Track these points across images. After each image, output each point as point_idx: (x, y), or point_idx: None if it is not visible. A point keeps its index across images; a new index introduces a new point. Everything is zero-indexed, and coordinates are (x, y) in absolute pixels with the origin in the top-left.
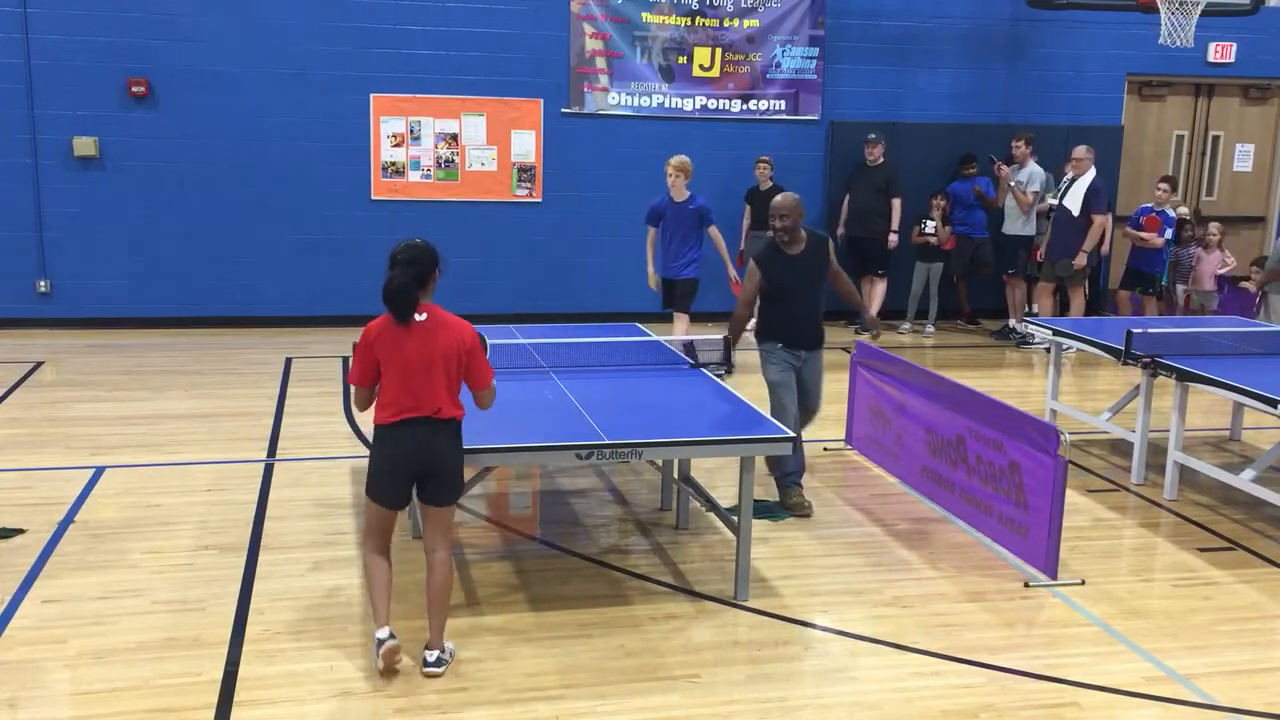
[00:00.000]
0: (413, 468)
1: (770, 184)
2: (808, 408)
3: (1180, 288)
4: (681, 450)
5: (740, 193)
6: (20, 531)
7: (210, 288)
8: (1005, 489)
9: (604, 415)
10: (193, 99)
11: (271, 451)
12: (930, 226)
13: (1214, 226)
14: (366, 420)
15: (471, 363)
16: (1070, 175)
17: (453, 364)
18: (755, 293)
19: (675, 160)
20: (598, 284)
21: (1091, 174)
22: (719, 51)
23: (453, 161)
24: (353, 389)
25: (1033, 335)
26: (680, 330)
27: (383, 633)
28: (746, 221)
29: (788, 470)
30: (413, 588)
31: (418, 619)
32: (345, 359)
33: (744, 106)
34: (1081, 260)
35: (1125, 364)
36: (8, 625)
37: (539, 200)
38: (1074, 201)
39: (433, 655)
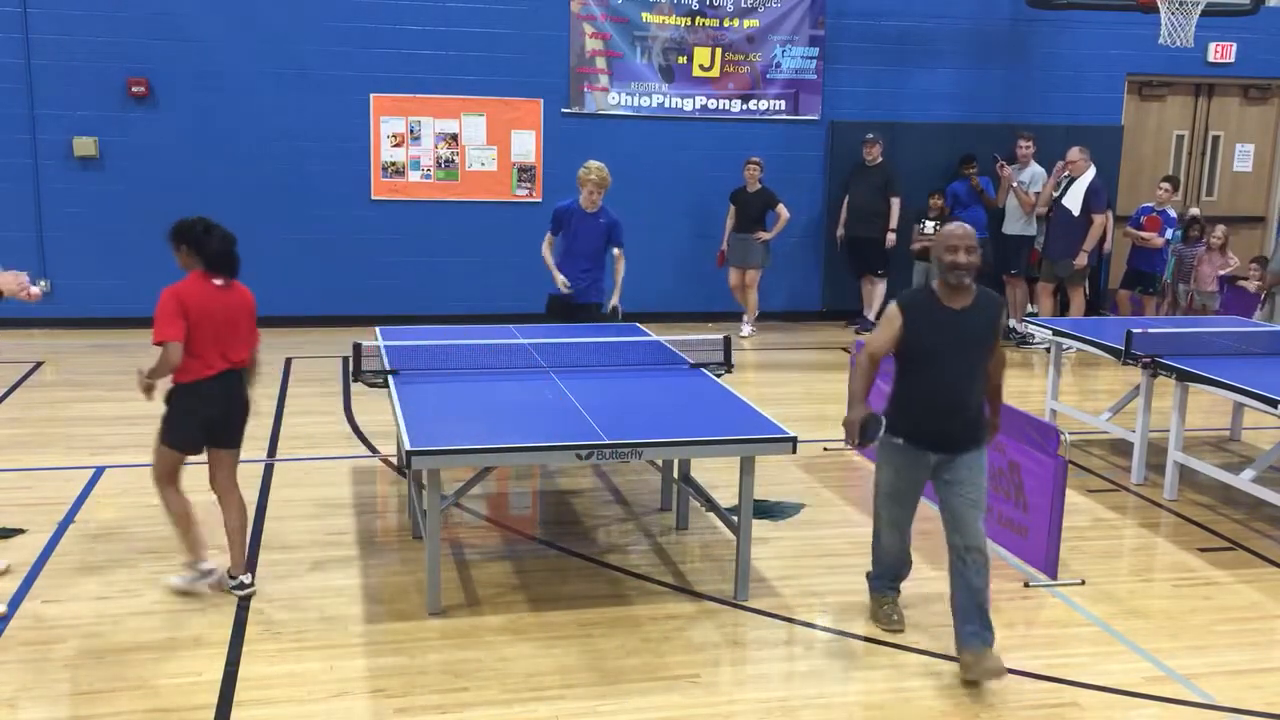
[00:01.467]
0: (220, 417)
1: (759, 186)
2: (955, 530)
3: (1182, 287)
4: (681, 450)
5: None
6: (20, 531)
7: None
8: (1005, 489)
9: (604, 415)
10: (193, 99)
11: (271, 451)
12: (929, 227)
13: (1220, 229)
14: (367, 420)
15: (252, 321)
16: (1068, 175)
17: (251, 320)
18: (888, 346)
19: (597, 168)
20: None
21: (1091, 174)
22: (719, 51)
23: (453, 161)
24: (166, 348)
25: (1033, 335)
26: None
27: (208, 565)
28: (730, 222)
29: (881, 573)
30: (413, 588)
31: (416, 619)
32: (345, 359)
33: (744, 106)
34: (1083, 260)
35: (1125, 364)
36: (8, 625)
37: (539, 200)
38: (1073, 201)
39: (250, 579)
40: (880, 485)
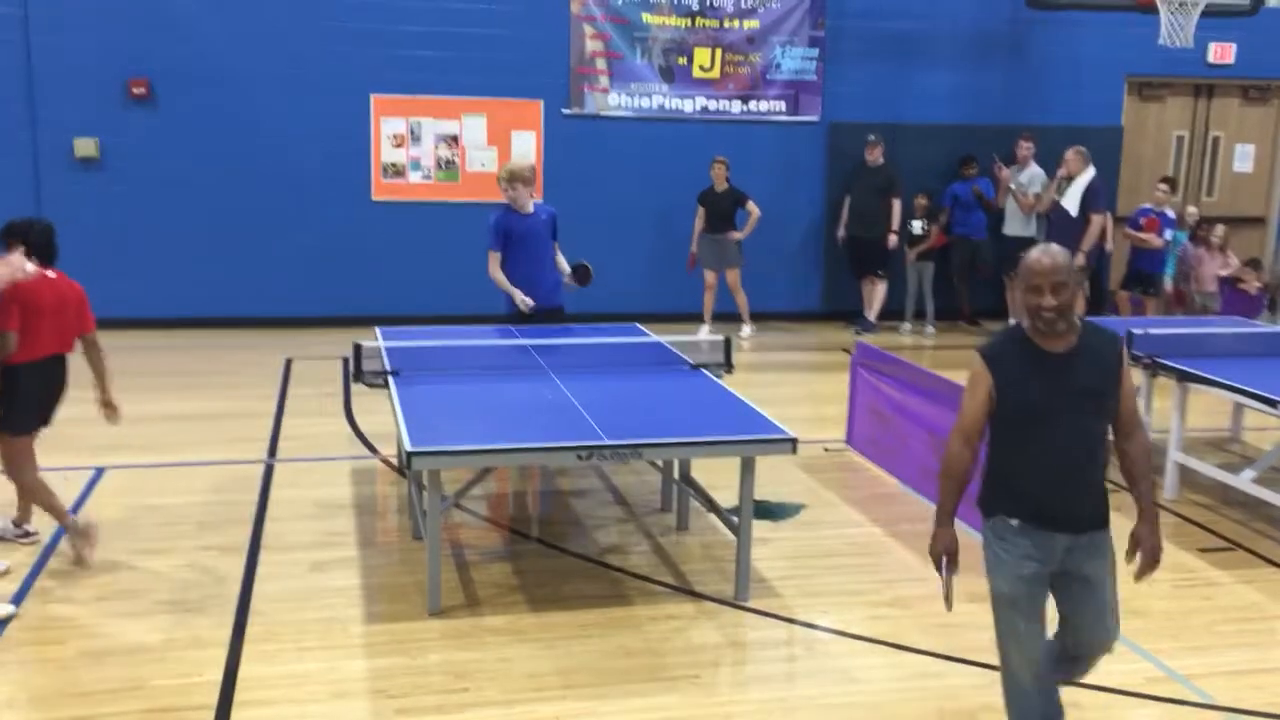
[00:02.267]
0: (56, 397)
1: (726, 185)
2: (1080, 640)
3: (1182, 287)
4: (681, 450)
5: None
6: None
7: (210, 288)
8: None
9: (604, 415)
10: (193, 99)
11: (271, 452)
12: (917, 226)
13: (1219, 229)
14: (367, 421)
15: (85, 310)
16: (1065, 176)
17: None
18: (982, 416)
19: (508, 164)
20: (597, 284)
21: (1089, 173)
22: (719, 52)
23: (453, 162)
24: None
25: None
26: None
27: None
28: (699, 224)
29: None
30: (413, 588)
31: (416, 619)
32: (345, 359)
33: (744, 107)
34: (1081, 260)
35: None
36: (7, 625)
37: (539, 200)
38: (1071, 201)
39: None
40: (996, 583)
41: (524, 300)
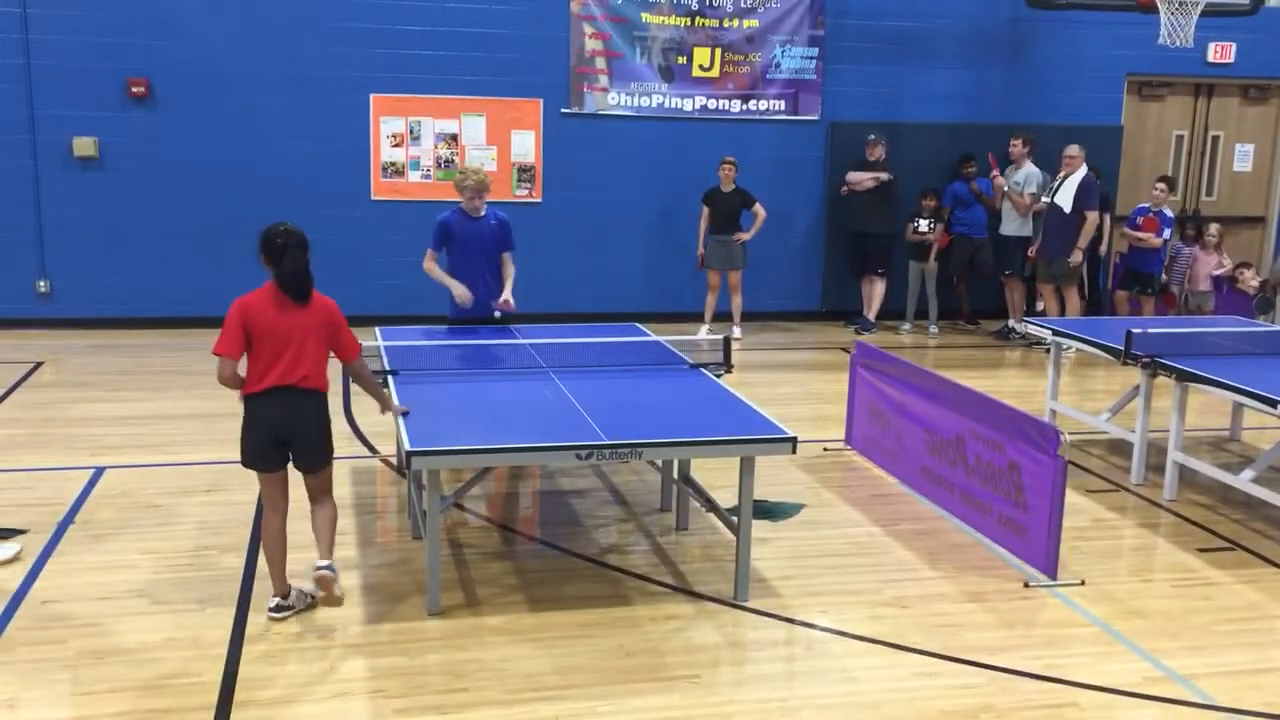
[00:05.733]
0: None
1: (733, 186)
2: None
3: (1174, 287)
4: (681, 450)
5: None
6: (21, 532)
7: (210, 288)
8: (1005, 489)
9: (604, 415)
10: (193, 99)
11: None
12: (923, 225)
13: (1214, 228)
14: (367, 421)
15: (339, 335)
16: (1063, 174)
17: (323, 335)
18: None
19: (476, 171)
20: (598, 284)
21: (1083, 171)
22: (719, 52)
23: (453, 162)
24: (220, 361)
25: (1017, 334)
26: None
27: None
28: (704, 225)
29: None
30: (413, 588)
31: (416, 619)
32: None
33: (744, 107)
34: (1078, 257)
35: (1125, 364)
36: (8, 625)
37: (539, 200)
38: (1065, 199)
39: (325, 562)
40: None
41: (463, 294)
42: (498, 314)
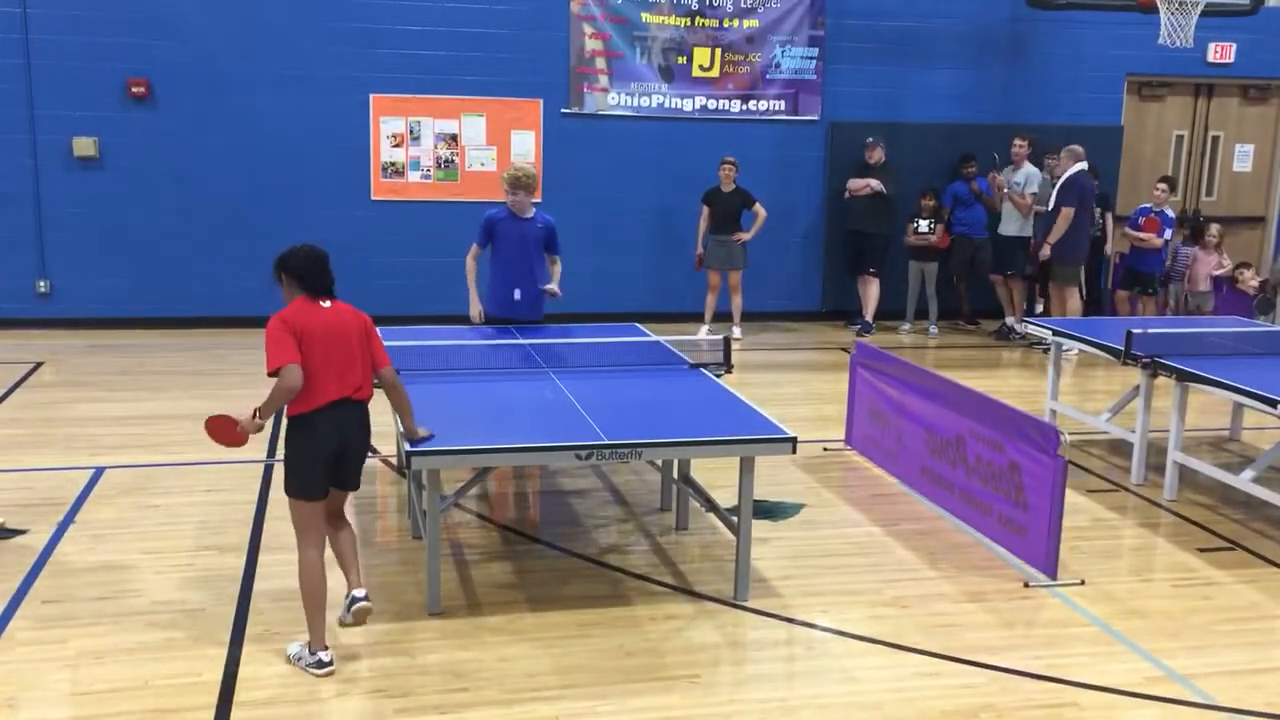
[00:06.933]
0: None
1: (733, 186)
2: None
3: (1172, 287)
4: (681, 450)
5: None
6: (21, 532)
7: (210, 288)
8: (1005, 489)
9: (604, 415)
10: (193, 99)
11: (271, 452)
12: (923, 226)
13: (1214, 228)
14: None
15: (373, 341)
16: (1058, 173)
17: (364, 343)
18: None
19: (524, 167)
20: (598, 284)
21: (1073, 169)
22: (719, 52)
23: (452, 162)
24: (283, 372)
25: (1018, 335)
26: None
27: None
28: (704, 225)
29: None
30: (412, 588)
31: (416, 619)
32: None
33: (744, 107)
34: (1046, 252)
35: (1125, 364)
36: (8, 625)
37: (539, 200)
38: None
39: (362, 593)
40: None
41: (477, 311)
42: (549, 294)
